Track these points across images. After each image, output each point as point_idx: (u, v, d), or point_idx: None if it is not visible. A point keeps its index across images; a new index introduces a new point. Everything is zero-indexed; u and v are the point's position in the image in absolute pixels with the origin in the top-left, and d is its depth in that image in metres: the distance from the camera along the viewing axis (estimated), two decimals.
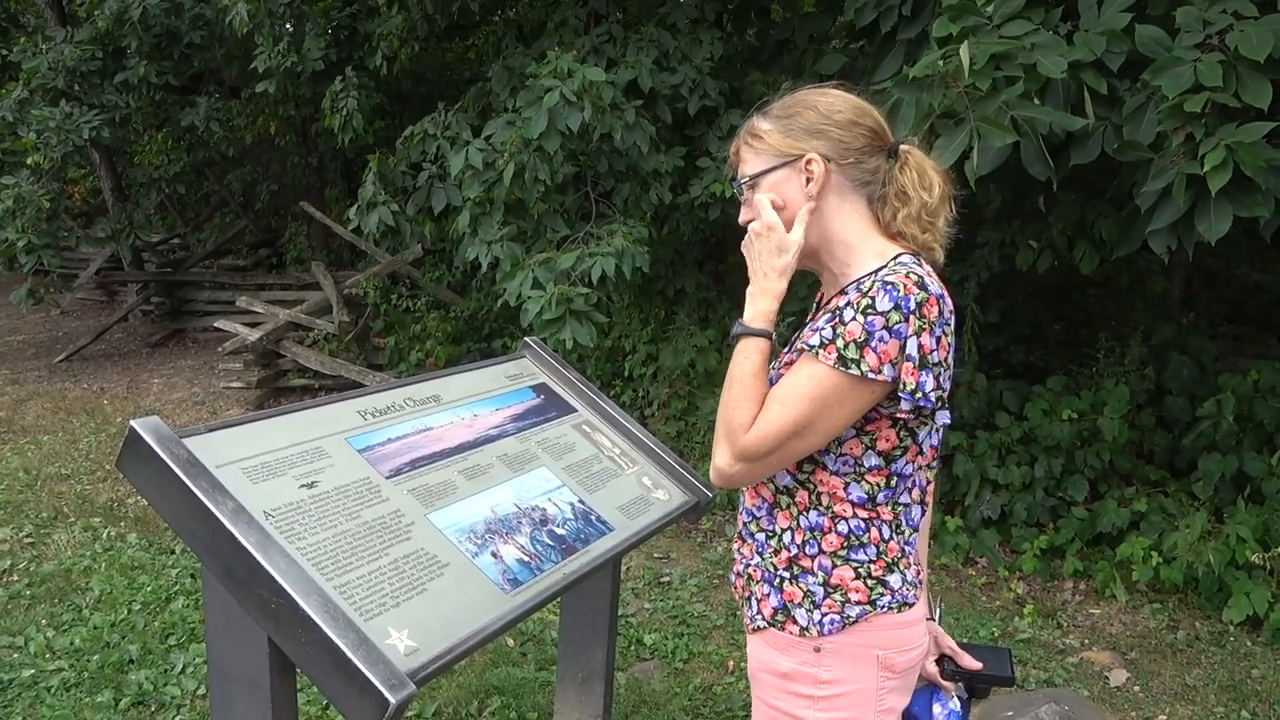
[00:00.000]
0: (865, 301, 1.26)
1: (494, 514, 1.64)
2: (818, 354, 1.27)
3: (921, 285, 1.26)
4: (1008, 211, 4.39)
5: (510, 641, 3.30)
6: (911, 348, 1.25)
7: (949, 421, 1.35)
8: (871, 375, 1.24)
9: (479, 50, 8.61)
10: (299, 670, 1.32)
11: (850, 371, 1.25)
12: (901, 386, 1.25)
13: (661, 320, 5.50)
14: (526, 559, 1.58)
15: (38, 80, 6.99)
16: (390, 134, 6.33)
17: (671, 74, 4.68)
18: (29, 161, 6.89)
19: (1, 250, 6.87)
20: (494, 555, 1.55)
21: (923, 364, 1.25)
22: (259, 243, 10.06)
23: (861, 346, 1.24)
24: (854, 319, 1.26)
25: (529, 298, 4.05)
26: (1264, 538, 3.47)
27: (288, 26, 6.60)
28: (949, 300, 1.31)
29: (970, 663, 1.56)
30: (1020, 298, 5.50)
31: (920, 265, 1.33)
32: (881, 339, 1.24)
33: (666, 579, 3.88)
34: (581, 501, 1.81)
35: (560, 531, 1.69)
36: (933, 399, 1.26)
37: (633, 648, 3.29)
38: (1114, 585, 3.67)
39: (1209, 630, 3.43)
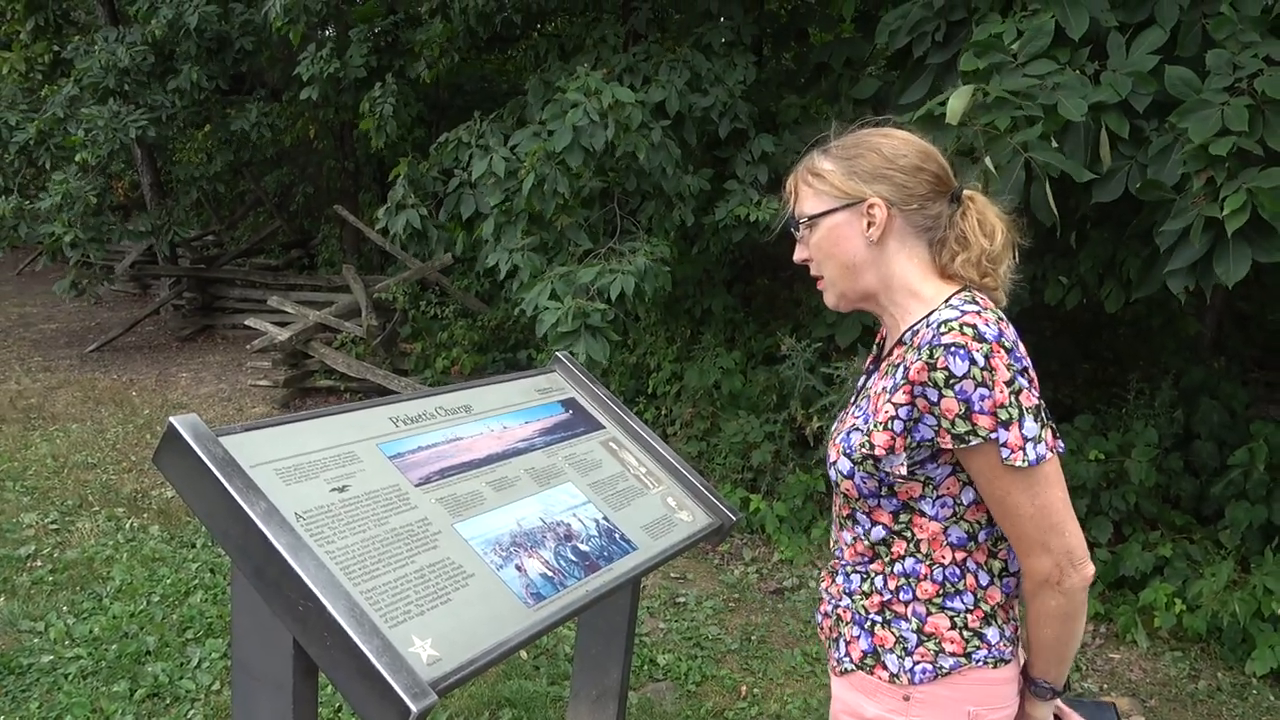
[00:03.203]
0: (942, 375, 1.21)
1: (520, 527, 1.65)
2: (978, 453, 1.22)
3: (979, 337, 1.20)
4: (1040, 246, 4.37)
5: (523, 654, 3.30)
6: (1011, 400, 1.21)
7: (1063, 449, 1.29)
8: (994, 436, 1.20)
9: (518, 64, 8.71)
10: (320, 672, 1.33)
11: (974, 443, 1.20)
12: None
13: (687, 339, 5.50)
14: (550, 574, 1.59)
15: (89, 79, 7.15)
16: (427, 143, 6.41)
17: (703, 96, 4.70)
18: (76, 158, 7.04)
19: (49, 244, 7.03)
20: (518, 568, 1.55)
21: (1022, 414, 1.21)
22: (292, 243, 10.19)
23: (967, 417, 1.20)
24: (944, 395, 1.21)
25: (545, 309, 4.07)
26: None
27: (329, 33, 6.71)
28: (1009, 330, 1.26)
29: None
30: (1049, 334, 5.46)
31: (973, 303, 1.28)
32: (982, 396, 1.19)
33: (682, 600, 3.86)
34: (606, 519, 1.81)
35: (584, 548, 1.70)
36: (1044, 446, 1.23)
37: (646, 667, 3.28)
38: (1135, 631, 3.61)
39: (1231, 681, 3.37)
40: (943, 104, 3.09)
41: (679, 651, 3.41)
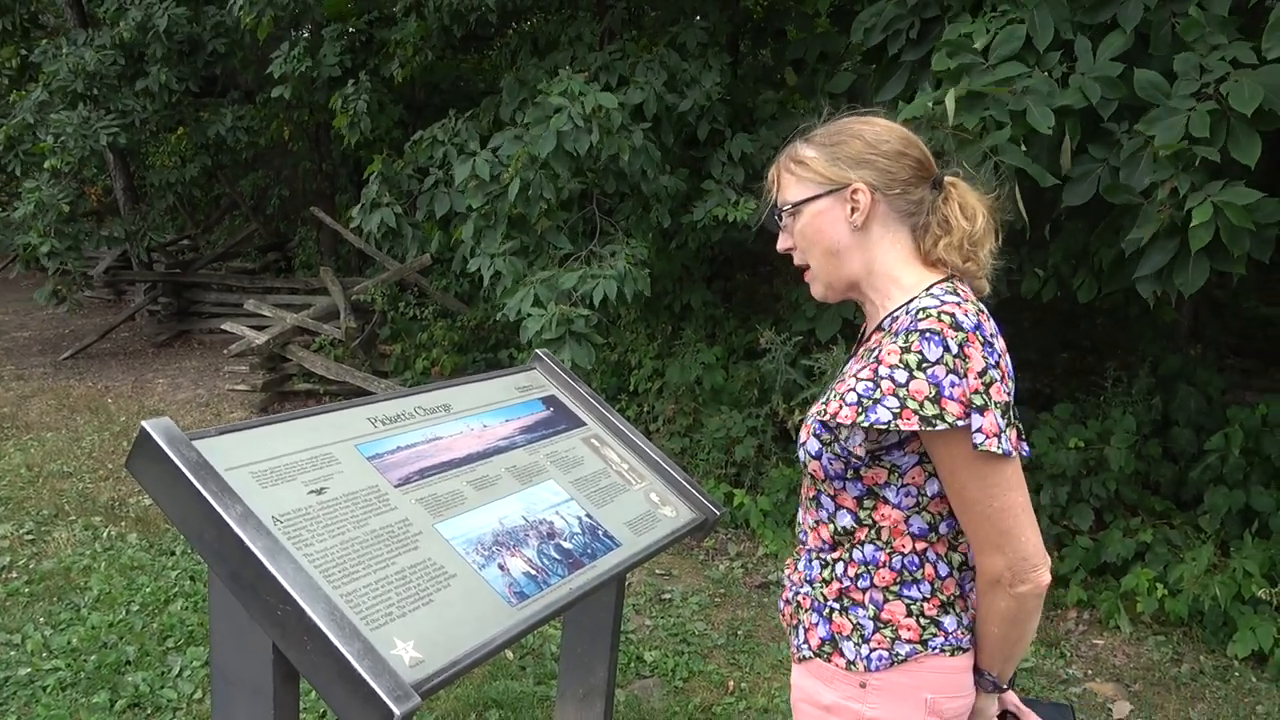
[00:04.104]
0: (915, 358, 1.20)
1: (502, 526, 1.63)
2: (935, 433, 1.21)
3: (956, 325, 1.21)
4: (1015, 238, 4.40)
5: (509, 654, 3.28)
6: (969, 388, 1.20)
7: (1028, 454, 1.28)
8: (961, 423, 1.19)
9: (494, 63, 8.66)
10: (301, 677, 1.32)
11: (940, 428, 1.18)
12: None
13: (668, 336, 5.50)
14: (533, 572, 1.57)
15: (58, 83, 7.05)
16: (403, 144, 6.38)
17: (680, 97, 4.69)
18: (46, 165, 6.94)
19: (25, 254, 6.94)
20: (501, 567, 1.54)
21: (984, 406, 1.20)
22: (268, 246, 10.09)
23: (936, 401, 1.19)
24: (914, 377, 1.20)
25: (529, 315, 4.05)
26: (1270, 573, 3.45)
27: (304, 34, 6.65)
28: (989, 324, 1.26)
29: None
30: (1027, 324, 5.50)
31: (954, 293, 1.28)
32: (953, 383, 1.19)
33: (668, 596, 3.86)
34: (589, 516, 1.80)
35: (567, 545, 1.68)
36: (1009, 444, 1.21)
37: (632, 665, 3.27)
38: (1118, 616, 3.64)
39: (1213, 664, 3.41)
40: (909, 101, 3.11)
41: (665, 648, 3.40)
